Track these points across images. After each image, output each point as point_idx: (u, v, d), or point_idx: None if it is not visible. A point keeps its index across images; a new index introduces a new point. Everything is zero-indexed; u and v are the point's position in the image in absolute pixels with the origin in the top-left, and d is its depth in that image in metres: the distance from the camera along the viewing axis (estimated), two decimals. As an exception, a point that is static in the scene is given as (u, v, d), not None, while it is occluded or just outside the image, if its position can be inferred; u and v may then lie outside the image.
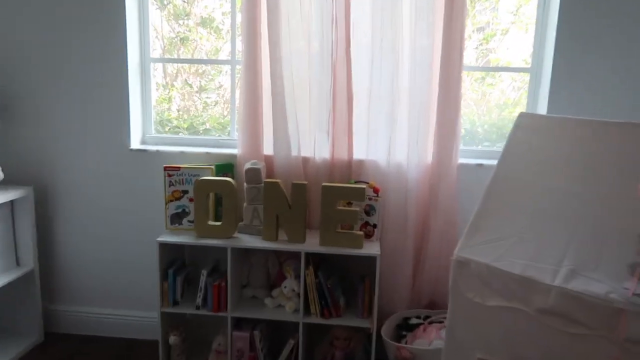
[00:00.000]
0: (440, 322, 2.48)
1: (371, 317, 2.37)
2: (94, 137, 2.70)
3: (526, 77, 2.62)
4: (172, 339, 2.46)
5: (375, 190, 2.43)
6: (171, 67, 2.95)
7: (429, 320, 2.52)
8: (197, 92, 2.98)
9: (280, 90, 2.44)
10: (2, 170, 2.57)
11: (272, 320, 2.48)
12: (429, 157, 2.46)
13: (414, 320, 2.55)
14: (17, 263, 2.72)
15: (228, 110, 2.90)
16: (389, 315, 2.54)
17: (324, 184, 2.32)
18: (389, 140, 2.44)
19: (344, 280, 2.53)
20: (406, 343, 2.45)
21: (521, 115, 2.00)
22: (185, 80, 2.99)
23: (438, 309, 2.61)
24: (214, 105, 2.95)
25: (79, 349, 2.79)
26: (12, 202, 2.65)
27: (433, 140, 2.43)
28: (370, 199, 2.43)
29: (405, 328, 2.54)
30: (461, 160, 2.48)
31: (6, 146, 2.76)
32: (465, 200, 2.50)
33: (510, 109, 2.74)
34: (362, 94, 2.46)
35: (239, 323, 2.48)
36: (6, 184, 2.68)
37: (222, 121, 2.89)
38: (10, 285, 2.60)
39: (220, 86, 2.95)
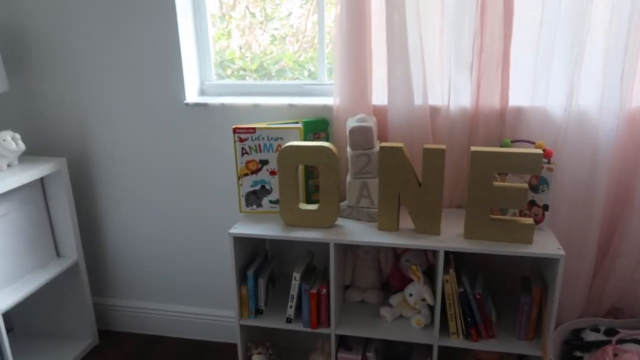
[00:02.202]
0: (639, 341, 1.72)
1: (540, 339, 1.63)
2: (138, 90, 2.01)
3: None
4: (257, 358, 1.85)
5: (547, 155, 1.61)
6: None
7: (617, 337, 1.75)
8: (261, 22, 2.18)
9: (399, 7, 1.61)
10: (22, 139, 1.94)
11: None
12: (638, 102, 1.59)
13: (590, 336, 1.80)
14: (57, 254, 2.16)
15: (300, 45, 2.10)
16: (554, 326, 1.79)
17: (474, 148, 1.53)
18: (572, 78, 1.57)
19: (491, 283, 1.78)
20: (585, 371, 1.72)
21: None
22: (247, 8, 2.18)
23: (623, 318, 1.84)
24: (282, 39, 2.14)
25: (143, 351, 2.26)
26: (41, 179, 2.04)
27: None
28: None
29: (578, 346, 1.79)
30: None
31: (26, 109, 2.13)
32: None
33: None
34: (529, 8, 1.59)
35: (345, 339, 1.82)
36: (32, 156, 2.07)
37: (302, 59, 2.10)
38: (52, 281, 2.05)
39: (289, 14, 2.13)
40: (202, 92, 2.07)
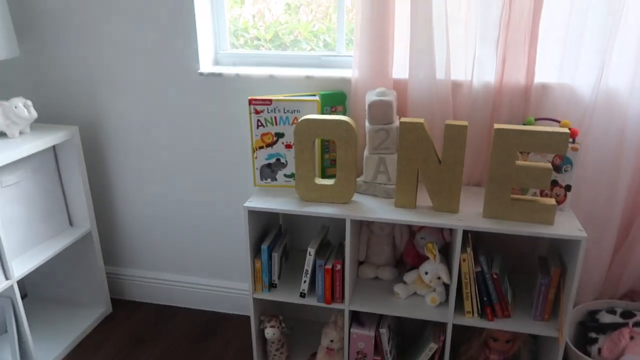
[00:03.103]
0: (655, 326, 1.70)
1: (555, 320, 1.62)
2: (151, 58, 1.96)
3: None
4: (269, 331, 1.85)
5: (572, 134, 1.56)
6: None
7: (634, 320, 1.73)
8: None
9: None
10: (34, 107, 1.90)
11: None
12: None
13: (606, 318, 1.79)
14: (70, 223, 2.15)
15: (314, 15, 2.03)
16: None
17: (497, 125, 1.48)
18: (603, 54, 1.51)
19: (507, 261, 1.76)
20: (600, 352, 1.71)
21: None
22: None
23: (640, 301, 1.82)
24: (296, 8, 2.07)
25: (155, 321, 2.28)
26: (54, 147, 2.02)
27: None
28: (562, 146, 1.57)
29: (593, 328, 1.78)
30: None
31: (39, 76, 2.09)
32: None
33: None
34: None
35: (358, 315, 1.82)
36: (44, 124, 2.04)
37: (316, 29, 2.03)
38: (65, 250, 2.05)
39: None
40: (216, 62, 2.02)
